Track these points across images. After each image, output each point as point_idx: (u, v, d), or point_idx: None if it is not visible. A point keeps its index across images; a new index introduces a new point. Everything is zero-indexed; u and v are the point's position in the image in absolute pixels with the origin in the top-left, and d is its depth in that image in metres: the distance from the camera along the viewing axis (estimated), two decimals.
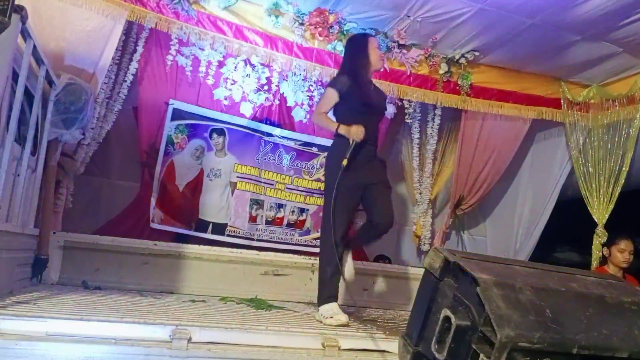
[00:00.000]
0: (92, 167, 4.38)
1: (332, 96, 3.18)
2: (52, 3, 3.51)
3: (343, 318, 2.88)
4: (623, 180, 4.69)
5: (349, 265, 3.21)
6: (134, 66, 4.28)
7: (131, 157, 4.70)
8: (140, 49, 4.28)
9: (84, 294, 3.15)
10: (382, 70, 3.34)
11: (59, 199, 3.90)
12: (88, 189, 4.55)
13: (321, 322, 2.93)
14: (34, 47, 2.75)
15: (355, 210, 3.43)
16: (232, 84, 4.73)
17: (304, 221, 5.08)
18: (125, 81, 4.26)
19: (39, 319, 2.08)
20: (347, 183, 3.04)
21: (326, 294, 3.06)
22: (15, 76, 2.58)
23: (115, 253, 3.77)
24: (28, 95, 2.91)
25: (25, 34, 2.58)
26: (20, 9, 2.32)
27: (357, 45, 3.35)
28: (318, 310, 3.06)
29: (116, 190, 4.78)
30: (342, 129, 3.10)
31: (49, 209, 3.62)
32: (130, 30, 4.22)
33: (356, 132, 3.03)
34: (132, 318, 2.35)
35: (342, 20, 4.30)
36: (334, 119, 3.26)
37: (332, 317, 2.89)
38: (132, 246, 3.84)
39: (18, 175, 2.92)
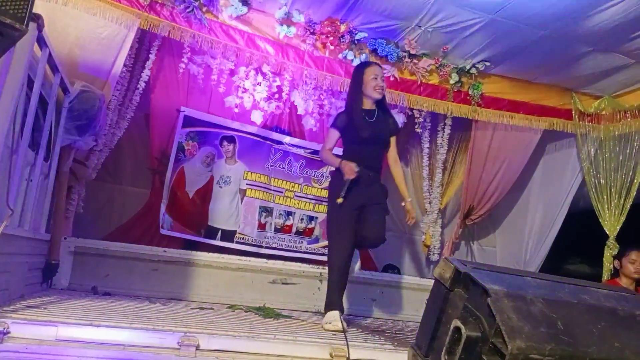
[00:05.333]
0: (104, 174, 4.41)
1: (334, 135, 3.43)
2: (67, 11, 3.54)
3: (339, 325, 2.99)
4: (635, 192, 4.65)
5: None
6: (146, 73, 4.32)
7: (142, 164, 4.73)
8: (152, 56, 4.33)
9: (93, 300, 3.17)
10: (380, 98, 3.41)
11: (70, 204, 3.92)
12: (99, 195, 4.59)
13: (322, 327, 3.09)
14: (49, 54, 2.79)
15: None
16: (243, 92, 4.76)
17: (312, 229, 5.08)
18: (138, 88, 4.30)
19: (49, 323, 2.09)
20: (346, 207, 3.24)
21: (331, 304, 3.21)
22: (30, 83, 2.62)
23: (125, 259, 3.80)
24: (42, 102, 2.94)
25: (41, 41, 2.61)
26: (37, 17, 2.35)
27: (353, 78, 3.51)
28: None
29: (127, 196, 4.81)
30: (341, 165, 3.26)
31: (61, 214, 3.65)
32: (144, 38, 4.27)
33: (348, 171, 3.20)
34: (141, 324, 2.36)
35: (354, 30, 4.31)
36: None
37: (330, 323, 3.04)
38: (141, 252, 3.87)
39: (31, 181, 2.95)
